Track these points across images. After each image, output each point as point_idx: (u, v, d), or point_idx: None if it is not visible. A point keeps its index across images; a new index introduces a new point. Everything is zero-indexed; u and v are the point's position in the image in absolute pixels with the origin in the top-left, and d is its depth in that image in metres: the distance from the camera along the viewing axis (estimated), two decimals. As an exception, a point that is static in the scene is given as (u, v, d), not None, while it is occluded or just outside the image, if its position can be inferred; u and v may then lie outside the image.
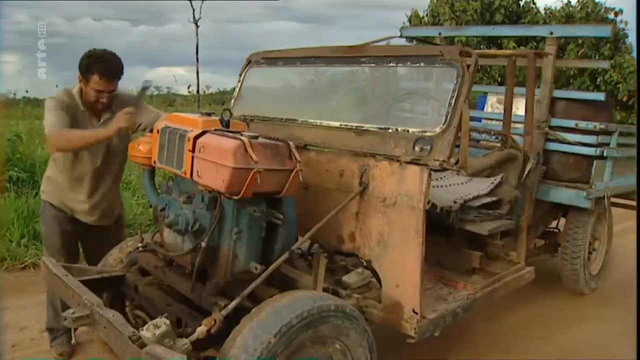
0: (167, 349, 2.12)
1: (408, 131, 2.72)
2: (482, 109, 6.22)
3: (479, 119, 5.38)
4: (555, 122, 4.54)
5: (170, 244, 2.81)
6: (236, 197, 2.37)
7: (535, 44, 14.19)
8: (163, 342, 2.14)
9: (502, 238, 3.85)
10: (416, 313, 2.73)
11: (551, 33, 4.47)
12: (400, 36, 6.85)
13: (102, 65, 3.05)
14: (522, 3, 16.85)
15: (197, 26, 21.37)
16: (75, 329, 3.29)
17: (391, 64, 3.01)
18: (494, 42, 15.23)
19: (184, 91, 21.17)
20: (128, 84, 3.23)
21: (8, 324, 3.81)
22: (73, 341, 2.66)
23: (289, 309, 2.27)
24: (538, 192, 4.46)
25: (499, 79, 14.45)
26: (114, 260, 3.26)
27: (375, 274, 2.93)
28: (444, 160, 2.55)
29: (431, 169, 2.62)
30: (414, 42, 7.13)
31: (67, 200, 3.33)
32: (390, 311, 2.82)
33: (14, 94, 18.56)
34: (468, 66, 2.62)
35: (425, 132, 2.65)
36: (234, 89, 3.96)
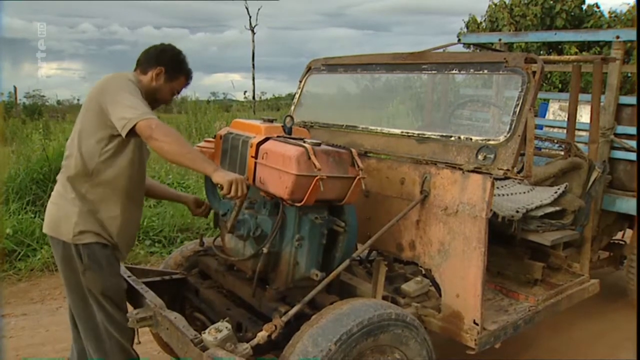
0: (228, 352, 2.15)
1: (471, 139, 2.68)
2: (544, 116, 6.09)
3: (540, 127, 5.27)
4: (621, 129, 4.40)
5: (231, 248, 2.85)
6: (299, 205, 2.38)
7: (598, 48, 13.77)
8: (224, 346, 2.17)
9: (565, 249, 3.75)
10: (477, 324, 2.68)
11: (617, 37, 4.33)
12: (460, 42, 6.80)
13: (189, 68, 2.81)
14: (584, 7, 16.35)
15: (254, 33, 21.68)
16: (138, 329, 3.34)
17: (454, 71, 2.97)
18: (555, 47, 14.83)
19: (239, 97, 21.50)
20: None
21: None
22: (136, 341, 2.70)
23: (349, 316, 2.27)
24: (603, 201, 4.32)
25: (560, 86, 14.07)
26: (174, 263, 3.33)
27: (434, 282, 2.90)
28: (508, 170, 2.50)
29: (494, 178, 2.58)
30: (472, 48, 7.03)
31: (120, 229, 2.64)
32: (450, 321, 2.78)
33: (78, 100, 19.36)
34: (534, 73, 2.56)
35: (489, 140, 2.61)
36: (289, 95, 3.99)
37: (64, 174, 2.61)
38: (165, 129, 2.36)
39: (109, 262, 2.63)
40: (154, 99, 2.73)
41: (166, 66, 2.69)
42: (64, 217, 2.57)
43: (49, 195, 2.76)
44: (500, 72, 2.69)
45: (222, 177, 2.33)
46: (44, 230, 2.69)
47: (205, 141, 3.04)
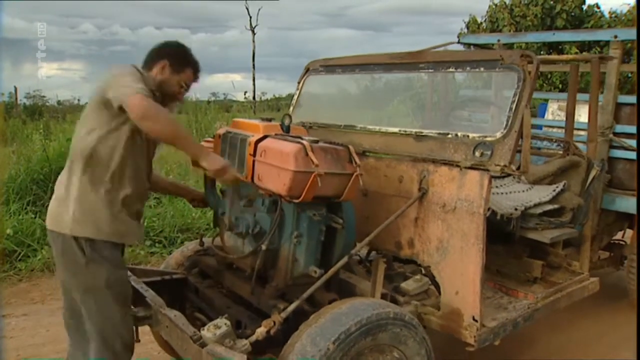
0: (227, 348, 2.16)
1: (468, 136, 2.69)
2: (543, 116, 6.08)
3: (539, 127, 5.27)
4: (619, 128, 4.40)
5: (230, 246, 2.86)
6: (297, 201, 2.39)
7: (599, 49, 13.74)
8: (223, 342, 2.19)
9: (565, 248, 3.75)
10: (476, 321, 2.69)
11: (615, 37, 4.33)
12: (459, 42, 6.80)
13: (196, 60, 2.74)
14: (584, 7, 16.34)
15: (254, 33, 21.72)
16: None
17: (450, 69, 2.97)
18: (555, 47, 14.80)
19: (240, 97, 21.49)
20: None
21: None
22: (136, 339, 2.71)
23: (347, 316, 2.28)
24: (602, 201, 4.32)
25: (560, 86, 14.06)
26: (175, 263, 3.35)
27: (434, 280, 2.90)
28: (505, 165, 2.51)
29: (492, 175, 2.58)
30: (472, 48, 7.03)
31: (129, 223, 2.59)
32: (450, 318, 2.78)
33: (78, 100, 19.36)
34: (529, 70, 2.57)
35: (486, 136, 2.62)
36: (290, 95, 4.00)
37: (68, 167, 2.54)
38: (152, 104, 2.30)
39: (119, 265, 2.55)
40: (163, 94, 2.65)
41: (170, 58, 2.64)
42: (64, 209, 2.46)
43: (50, 195, 2.77)
44: (497, 70, 2.70)
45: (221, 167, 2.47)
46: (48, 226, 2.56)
47: (205, 141, 3.06)
